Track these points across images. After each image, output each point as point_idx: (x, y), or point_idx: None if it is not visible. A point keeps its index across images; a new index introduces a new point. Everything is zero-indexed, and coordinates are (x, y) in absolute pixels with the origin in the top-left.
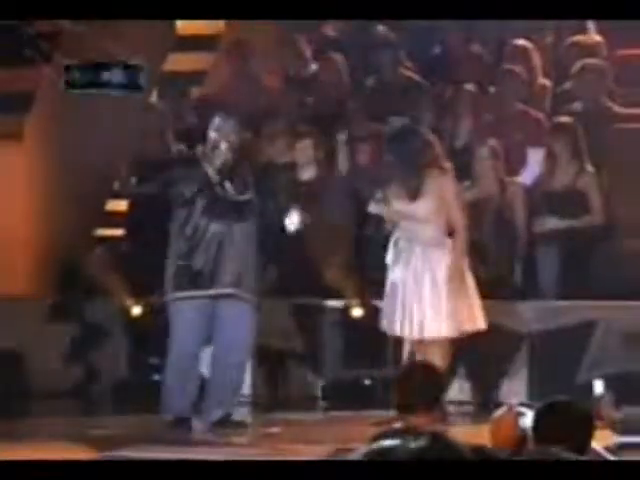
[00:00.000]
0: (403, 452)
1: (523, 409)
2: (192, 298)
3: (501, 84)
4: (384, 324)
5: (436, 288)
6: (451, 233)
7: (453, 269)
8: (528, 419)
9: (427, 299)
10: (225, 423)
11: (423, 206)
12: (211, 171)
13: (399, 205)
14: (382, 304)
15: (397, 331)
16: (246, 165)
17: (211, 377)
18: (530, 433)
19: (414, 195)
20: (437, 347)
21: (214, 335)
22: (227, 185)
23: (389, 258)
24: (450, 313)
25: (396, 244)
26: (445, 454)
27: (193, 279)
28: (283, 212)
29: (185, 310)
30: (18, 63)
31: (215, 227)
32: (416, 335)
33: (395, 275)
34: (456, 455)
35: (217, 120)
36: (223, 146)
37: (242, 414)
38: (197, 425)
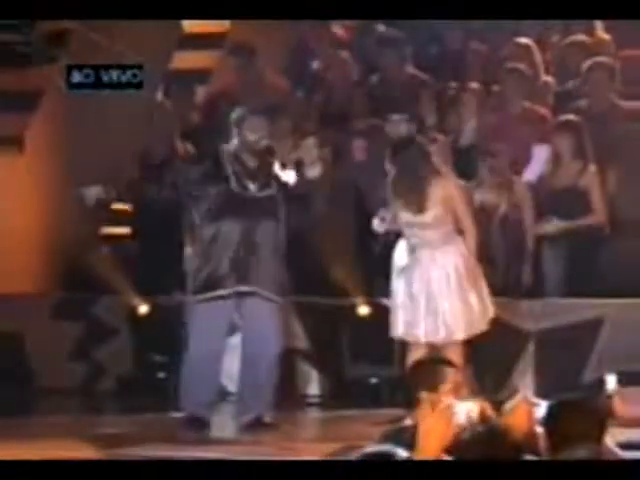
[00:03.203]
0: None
1: (537, 400)
2: (214, 299)
3: (506, 82)
4: (399, 330)
5: (449, 288)
6: (461, 232)
7: (467, 269)
8: (542, 409)
9: (441, 300)
10: (256, 425)
11: (431, 215)
12: (238, 171)
13: (407, 216)
14: (394, 311)
15: (415, 335)
16: (269, 161)
17: (240, 378)
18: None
19: (421, 207)
20: (454, 346)
21: (242, 336)
22: (249, 183)
23: (397, 262)
24: (464, 313)
25: (404, 248)
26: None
27: (215, 280)
28: (305, 207)
29: (207, 310)
30: (19, 63)
31: (236, 226)
32: (434, 338)
33: (406, 279)
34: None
35: (251, 119)
36: (258, 146)
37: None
38: (228, 427)
